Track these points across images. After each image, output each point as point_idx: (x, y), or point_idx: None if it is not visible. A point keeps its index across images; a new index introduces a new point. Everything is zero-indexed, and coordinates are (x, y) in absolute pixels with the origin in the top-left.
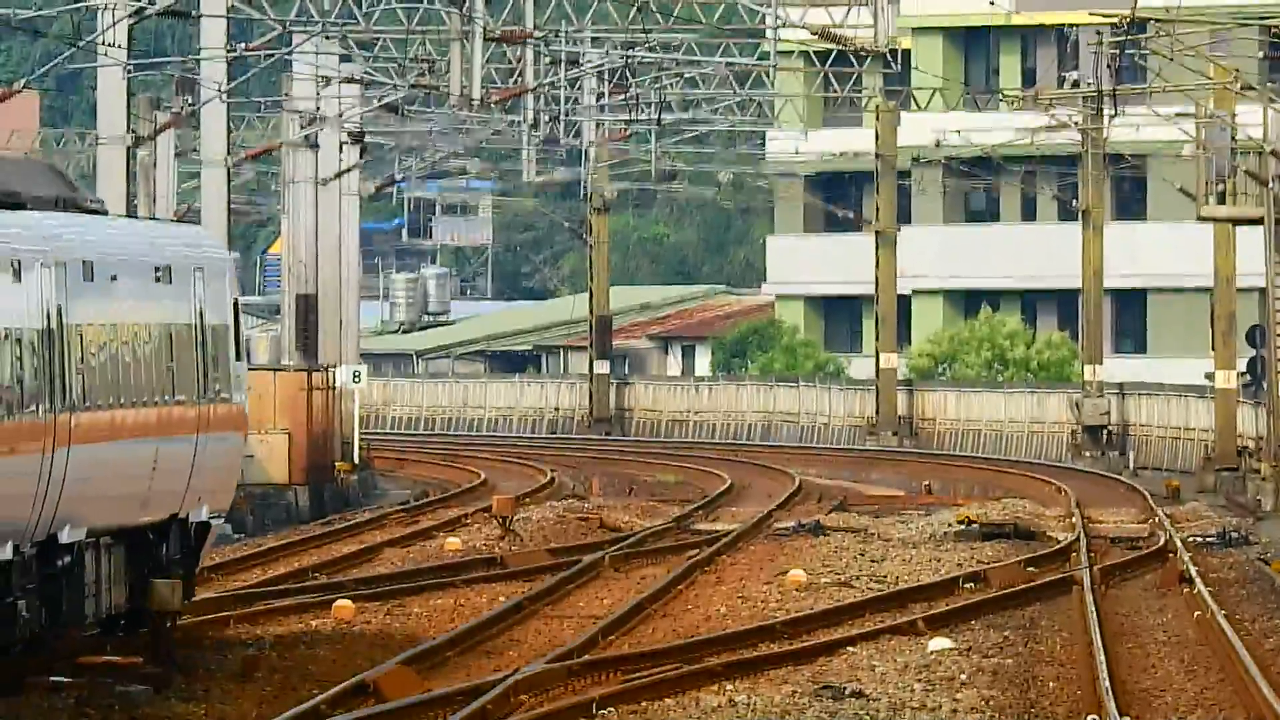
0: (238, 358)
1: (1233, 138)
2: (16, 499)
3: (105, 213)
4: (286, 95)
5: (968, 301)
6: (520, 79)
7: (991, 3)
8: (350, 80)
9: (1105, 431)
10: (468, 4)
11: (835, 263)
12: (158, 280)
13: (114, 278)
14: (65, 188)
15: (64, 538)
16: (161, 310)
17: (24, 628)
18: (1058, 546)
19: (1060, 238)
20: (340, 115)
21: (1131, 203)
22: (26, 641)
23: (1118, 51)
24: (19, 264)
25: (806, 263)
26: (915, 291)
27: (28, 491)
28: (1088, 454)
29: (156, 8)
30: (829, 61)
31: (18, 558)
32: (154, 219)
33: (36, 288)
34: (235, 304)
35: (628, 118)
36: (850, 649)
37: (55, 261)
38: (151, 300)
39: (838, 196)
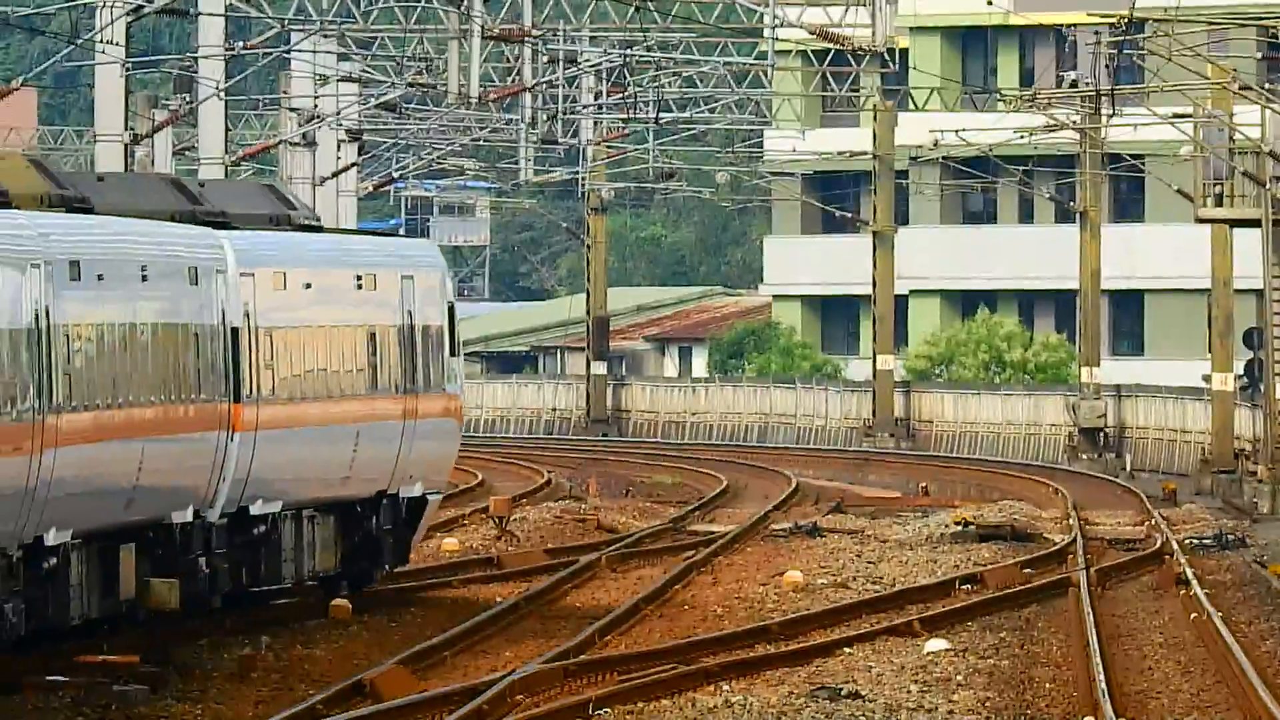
0: (452, 354)
1: (1230, 138)
2: (191, 472)
3: (320, 229)
4: (284, 93)
5: (965, 303)
6: (518, 78)
7: (989, 2)
8: (348, 79)
9: (1102, 433)
10: (466, 2)
11: (832, 263)
12: (359, 287)
13: (308, 285)
14: (282, 206)
15: (256, 509)
16: (362, 313)
17: (207, 584)
18: (1054, 548)
19: (1058, 239)
20: (338, 114)
21: (1129, 204)
22: (224, 598)
23: (1116, 51)
24: (195, 271)
25: (804, 263)
26: (912, 292)
27: (203, 466)
28: (1084, 456)
29: (154, 6)
30: (827, 61)
31: (198, 521)
32: (374, 233)
33: (212, 292)
34: (450, 307)
35: (625, 117)
36: (847, 650)
37: (241, 271)
38: (351, 305)
39: (835, 197)
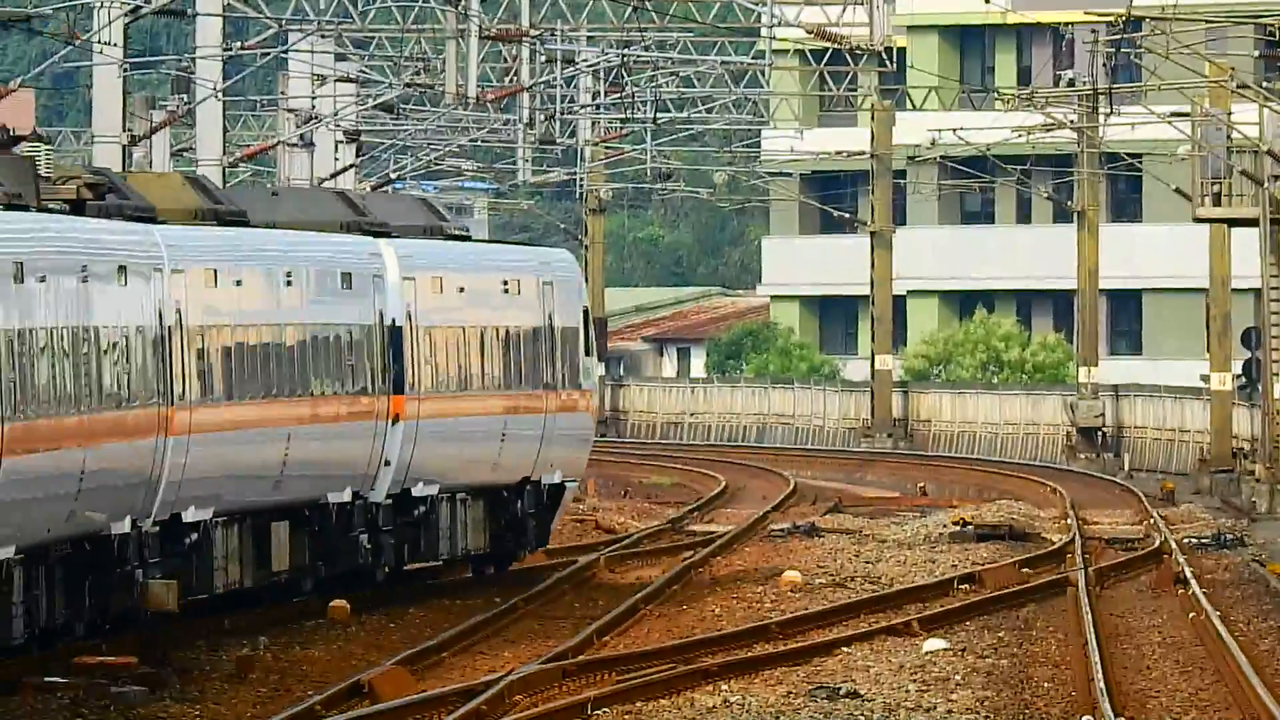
0: (587, 354)
1: (1228, 137)
2: (347, 457)
3: (468, 239)
4: (282, 94)
5: (963, 303)
6: (516, 78)
7: (987, 1)
8: (346, 79)
9: (1100, 433)
10: (463, 2)
11: (830, 263)
12: (505, 292)
13: (461, 290)
14: (435, 218)
15: (417, 491)
16: (508, 316)
17: (369, 558)
18: (1053, 548)
19: (1055, 238)
20: (335, 114)
21: (1127, 203)
22: (388, 573)
23: (1113, 50)
24: (350, 276)
25: (801, 263)
26: (910, 292)
27: (361, 452)
28: (1083, 456)
29: (152, 6)
30: (824, 60)
31: (359, 501)
32: (516, 244)
33: (369, 295)
34: (585, 311)
35: (623, 117)
36: (845, 650)
37: (403, 276)
38: (499, 308)
39: (833, 197)
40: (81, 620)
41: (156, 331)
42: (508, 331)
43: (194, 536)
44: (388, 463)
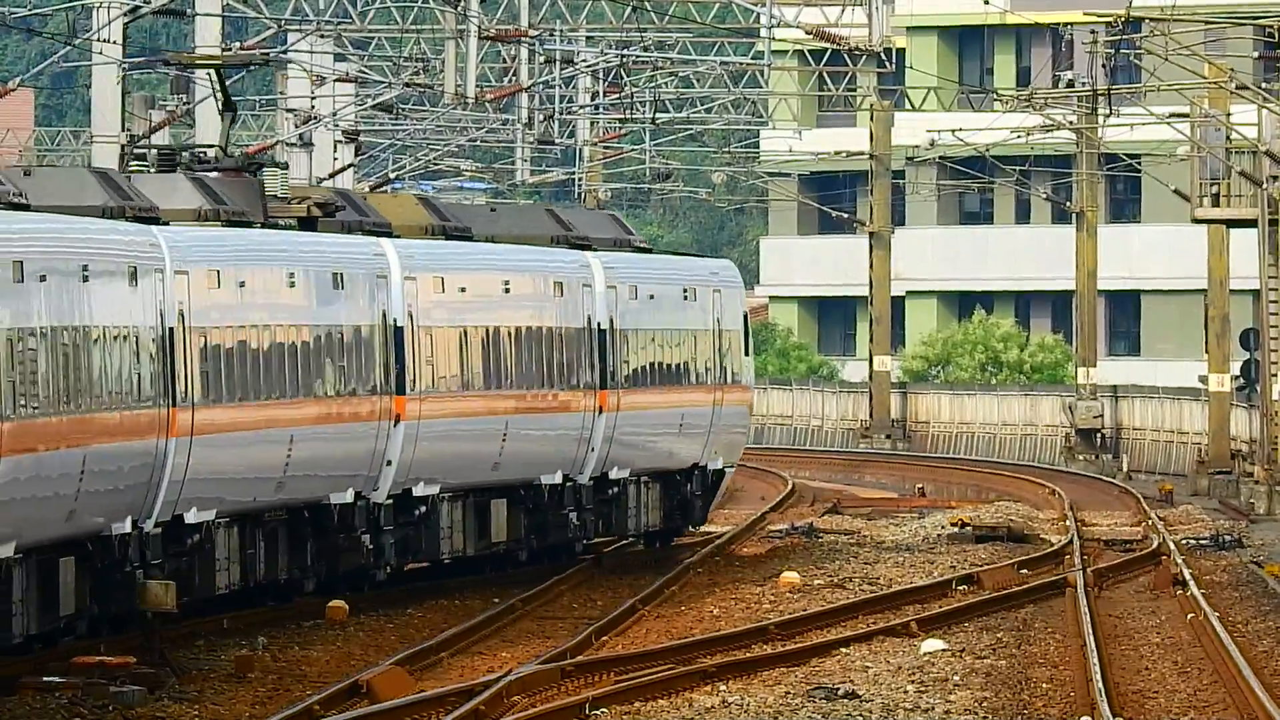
0: (746, 354)
1: (1227, 138)
2: (558, 445)
3: (650, 251)
4: (281, 94)
5: (961, 303)
6: (515, 78)
7: (986, 2)
8: (344, 79)
9: (1099, 434)
10: (462, 3)
11: (829, 264)
12: (684, 298)
13: (651, 297)
14: (622, 231)
15: (613, 475)
16: (687, 319)
17: (578, 533)
18: (1051, 549)
19: (1054, 239)
20: (334, 114)
21: (1126, 204)
22: (585, 545)
23: (1112, 51)
24: (563, 285)
25: (800, 264)
26: (909, 293)
27: (571, 440)
28: (1081, 457)
29: (152, 6)
30: (823, 61)
31: (569, 484)
32: (685, 254)
33: (579, 302)
34: (745, 315)
35: (622, 117)
36: (843, 650)
37: (606, 284)
38: (679, 312)
39: (831, 197)
40: (308, 579)
41: (382, 330)
42: (687, 333)
43: (422, 509)
44: (591, 450)
